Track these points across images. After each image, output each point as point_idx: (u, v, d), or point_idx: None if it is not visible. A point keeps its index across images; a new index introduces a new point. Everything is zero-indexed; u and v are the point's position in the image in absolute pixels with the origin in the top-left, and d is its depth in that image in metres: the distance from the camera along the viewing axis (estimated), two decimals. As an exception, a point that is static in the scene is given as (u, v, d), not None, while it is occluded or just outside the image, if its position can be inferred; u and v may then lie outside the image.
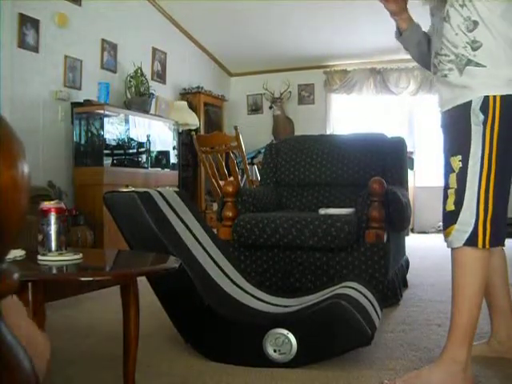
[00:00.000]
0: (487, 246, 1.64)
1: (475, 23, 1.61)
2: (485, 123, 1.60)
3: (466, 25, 1.63)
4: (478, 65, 1.62)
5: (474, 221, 1.63)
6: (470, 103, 1.63)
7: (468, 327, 1.64)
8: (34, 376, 0.45)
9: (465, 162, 1.64)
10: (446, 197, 1.71)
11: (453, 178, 1.67)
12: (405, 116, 7.27)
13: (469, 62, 1.63)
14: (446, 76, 1.70)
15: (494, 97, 1.60)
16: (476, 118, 1.61)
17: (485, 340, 1.96)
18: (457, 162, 1.66)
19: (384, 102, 7.33)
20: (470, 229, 1.63)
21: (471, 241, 1.63)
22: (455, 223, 1.66)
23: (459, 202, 1.66)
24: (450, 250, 1.71)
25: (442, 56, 1.71)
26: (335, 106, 7.59)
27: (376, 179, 2.70)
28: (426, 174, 7.01)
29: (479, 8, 1.60)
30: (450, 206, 1.68)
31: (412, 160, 6.60)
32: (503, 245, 1.79)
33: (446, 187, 1.71)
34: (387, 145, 3.33)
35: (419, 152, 7.04)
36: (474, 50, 1.62)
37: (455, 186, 1.67)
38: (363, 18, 6.05)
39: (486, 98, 1.60)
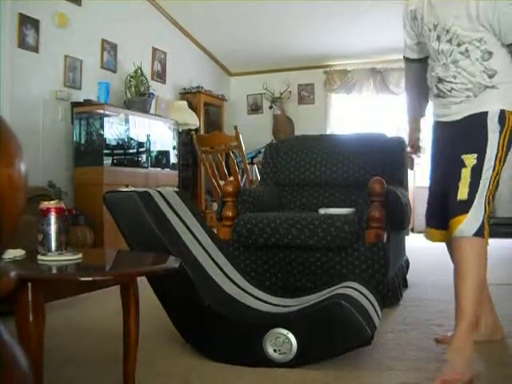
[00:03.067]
0: (488, 239, 1.81)
1: (490, 54, 1.82)
2: (501, 132, 1.81)
3: (481, 56, 1.81)
4: (493, 87, 1.83)
5: (482, 215, 1.79)
6: (486, 113, 1.82)
7: (474, 312, 1.77)
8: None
9: (480, 161, 1.80)
10: (455, 187, 1.82)
11: (466, 172, 1.81)
12: (405, 116, 7.25)
13: (485, 88, 1.84)
14: (462, 102, 1.89)
15: (508, 111, 1.82)
16: (494, 126, 1.81)
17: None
18: (471, 160, 1.81)
19: (384, 102, 7.32)
20: (480, 221, 1.78)
21: (480, 232, 1.77)
22: (467, 213, 1.78)
23: (473, 195, 1.79)
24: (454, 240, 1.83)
25: (458, 84, 1.88)
26: (335, 105, 7.59)
27: (376, 179, 2.70)
28: (426, 173, 7.01)
29: (492, 41, 1.81)
30: (464, 195, 1.80)
31: (412, 160, 6.58)
32: None
33: (456, 179, 1.82)
34: (387, 145, 3.33)
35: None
36: (490, 77, 1.83)
37: (469, 179, 1.80)
38: (363, 18, 6.05)
39: (502, 111, 1.81)
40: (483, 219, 1.78)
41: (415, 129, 2.34)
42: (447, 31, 1.85)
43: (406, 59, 2.21)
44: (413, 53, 2.15)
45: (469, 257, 1.78)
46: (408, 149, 2.40)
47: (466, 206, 1.78)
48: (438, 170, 2.07)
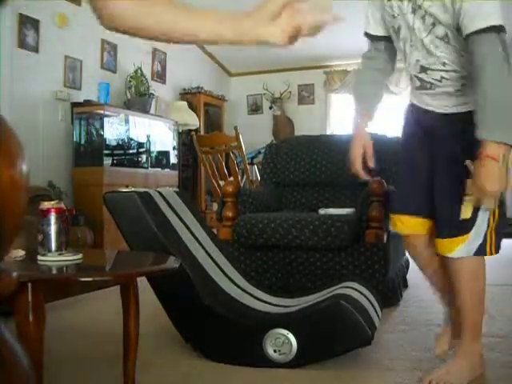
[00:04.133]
0: (493, 253, 1.65)
1: None
2: None
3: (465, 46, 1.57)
4: None
5: (484, 230, 1.62)
6: None
7: (480, 321, 1.73)
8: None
9: None
10: (455, 200, 1.61)
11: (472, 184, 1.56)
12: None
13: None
14: (459, 91, 1.66)
15: None
16: None
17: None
18: None
19: (384, 102, 7.30)
20: (482, 237, 1.63)
21: (480, 251, 1.63)
22: (469, 232, 1.62)
23: (477, 211, 1.61)
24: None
25: (449, 72, 1.64)
26: (335, 105, 7.59)
27: (376, 179, 2.70)
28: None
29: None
30: (467, 214, 1.61)
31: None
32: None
33: (456, 189, 1.60)
34: (387, 145, 3.33)
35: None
36: None
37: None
38: (363, 18, 6.05)
39: None
40: (485, 234, 1.61)
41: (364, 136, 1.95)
42: (419, 6, 1.58)
43: (373, 37, 1.91)
44: (381, 28, 1.82)
45: (466, 278, 1.66)
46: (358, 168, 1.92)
47: (468, 226, 1.60)
48: (418, 155, 1.86)
